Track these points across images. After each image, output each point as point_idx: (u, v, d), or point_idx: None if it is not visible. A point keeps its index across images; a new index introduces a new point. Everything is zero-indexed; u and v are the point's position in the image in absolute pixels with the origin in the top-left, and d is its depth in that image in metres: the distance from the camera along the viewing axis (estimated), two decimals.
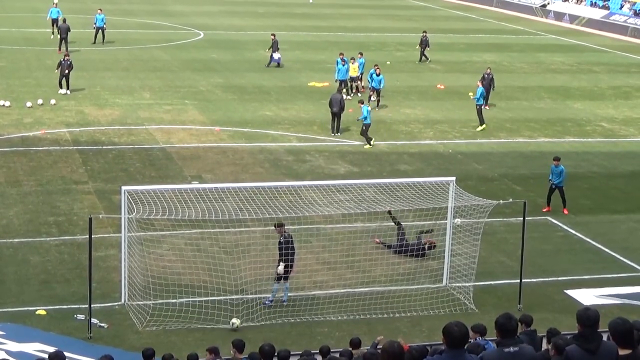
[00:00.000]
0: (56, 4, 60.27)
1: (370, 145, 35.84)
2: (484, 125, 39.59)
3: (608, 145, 38.70)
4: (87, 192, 29.20)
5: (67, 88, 42.52)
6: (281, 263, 21.32)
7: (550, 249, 26.37)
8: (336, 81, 44.44)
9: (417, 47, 57.08)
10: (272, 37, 52.68)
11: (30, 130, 36.06)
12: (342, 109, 37.31)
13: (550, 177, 29.23)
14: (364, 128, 35.87)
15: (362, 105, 36.24)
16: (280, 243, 21.44)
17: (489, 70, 44.10)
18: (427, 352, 11.37)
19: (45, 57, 50.48)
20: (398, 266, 23.69)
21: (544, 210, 29.01)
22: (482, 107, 40.09)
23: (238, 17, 74.32)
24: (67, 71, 42.33)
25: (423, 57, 56.33)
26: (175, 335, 19.98)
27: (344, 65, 44.29)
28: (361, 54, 46.51)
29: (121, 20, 67.50)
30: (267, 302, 21.41)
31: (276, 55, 52.11)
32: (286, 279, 21.59)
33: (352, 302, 21.60)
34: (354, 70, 45.00)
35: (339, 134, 37.35)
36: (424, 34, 56.60)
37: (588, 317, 9.13)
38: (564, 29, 78.68)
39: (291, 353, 15.62)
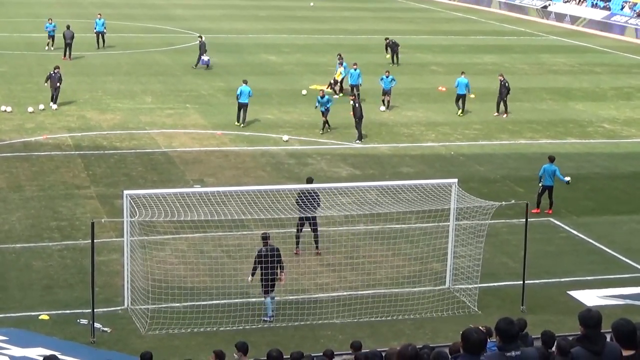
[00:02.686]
0: (100, 15, 58.06)
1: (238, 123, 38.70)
2: (461, 113, 42.23)
3: (610, 146, 38.68)
4: (89, 197, 29.21)
5: (55, 102, 40.47)
6: (251, 276, 21.01)
7: (553, 250, 26.34)
8: (350, 86, 44.30)
9: (387, 57, 56.01)
10: (200, 39, 52.58)
11: (32, 135, 36.08)
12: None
13: (541, 175, 29.04)
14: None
15: (243, 85, 39.09)
16: (260, 253, 20.93)
17: (502, 77, 42.60)
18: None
19: (47, 62, 50.45)
20: (401, 269, 23.69)
21: (533, 211, 27.96)
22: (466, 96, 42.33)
23: (239, 20, 74.37)
24: (58, 84, 40.39)
25: (396, 60, 55.39)
26: (178, 339, 19.97)
27: (355, 70, 44.15)
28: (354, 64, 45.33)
29: (122, 25, 67.56)
30: (267, 319, 21.14)
31: (205, 57, 51.87)
32: (271, 291, 21.01)
33: (356, 305, 21.59)
34: (339, 74, 45.28)
35: (359, 140, 37.20)
36: (388, 39, 56.19)
37: (591, 317, 9.08)
38: (565, 30, 78.69)
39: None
